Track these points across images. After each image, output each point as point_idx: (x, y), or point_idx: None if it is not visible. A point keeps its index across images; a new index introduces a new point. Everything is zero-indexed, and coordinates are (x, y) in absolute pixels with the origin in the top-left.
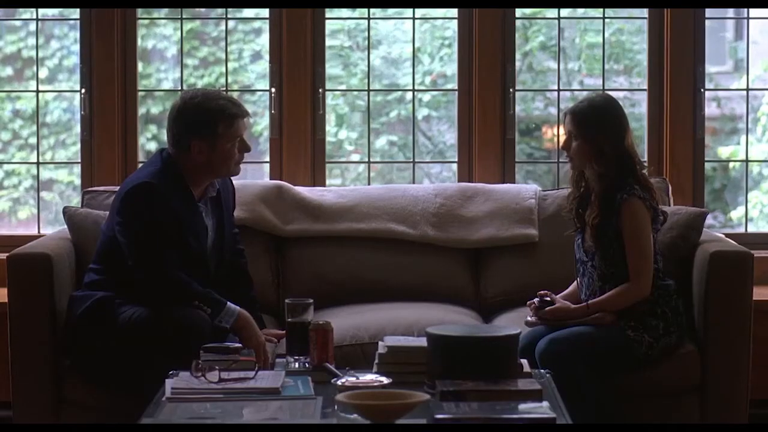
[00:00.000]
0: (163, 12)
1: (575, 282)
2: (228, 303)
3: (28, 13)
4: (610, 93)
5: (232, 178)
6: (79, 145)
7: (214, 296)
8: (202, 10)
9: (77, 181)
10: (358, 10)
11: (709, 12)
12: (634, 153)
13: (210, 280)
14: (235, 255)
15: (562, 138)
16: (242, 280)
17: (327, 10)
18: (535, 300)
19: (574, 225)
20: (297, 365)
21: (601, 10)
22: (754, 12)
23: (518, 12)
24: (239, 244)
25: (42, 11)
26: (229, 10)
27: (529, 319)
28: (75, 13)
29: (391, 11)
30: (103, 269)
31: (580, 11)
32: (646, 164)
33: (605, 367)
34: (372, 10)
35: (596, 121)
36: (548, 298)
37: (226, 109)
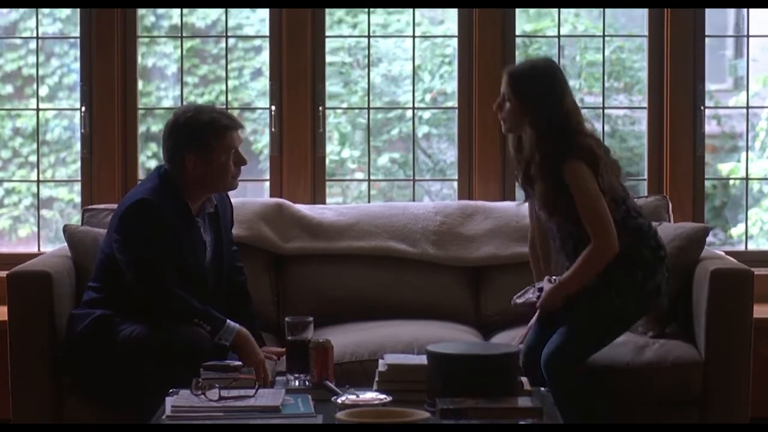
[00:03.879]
0: (163, 30)
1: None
2: (228, 320)
3: (28, 31)
4: (610, 110)
5: (230, 195)
6: (79, 163)
7: (213, 314)
8: (202, 26)
9: (77, 199)
10: (358, 27)
11: (708, 30)
12: (573, 114)
13: (208, 296)
14: (234, 272)
15: (503, 103)
16: (241, 297)
17: (327, 27)
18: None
19: (524, 193)
20: (297, 383)
21: (602, 27)
22: (753, 30)
23: (518, 29)
24: (238, 261)
25: (42, 29)
26: (230, 27)
27: (518, 300)
28: (75, 31)
29: (391, 29)
30: (102, 287)
31: (580, 28)
32: (588, 123)
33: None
34: (372, 28)
35: (531, 85)
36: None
37: (218, 122)
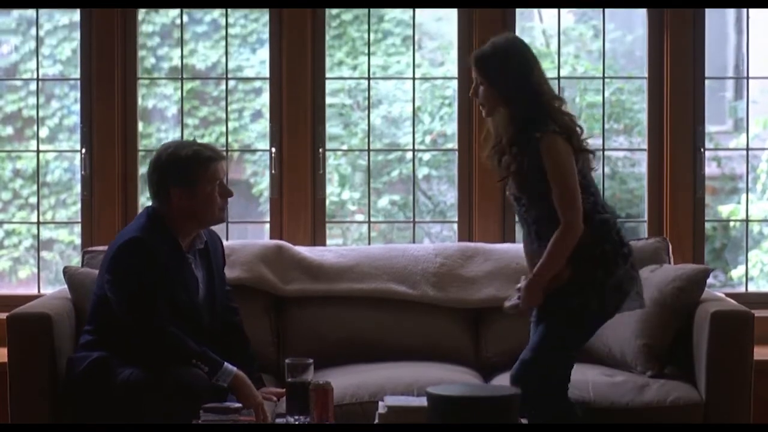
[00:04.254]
0: (164, 72)
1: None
2: (225, 363)
3: (28, 72)
4: (610, 152)
5: (230, 236)
6: (79, 205)
7: (210, 355)
8: (203, 68)
9: (77, 241)
10: (359, 69)
11: (708, 71)
12: (544, 89)
13: (204, 333)
14: (229, 313)
15: (478, 87)
16: (238, 337)
17: (327, 69)
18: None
19: (501, 177)
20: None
21: (602, 69)
22: (753, 71)
23: None
24: (232, 301)
25: (43, 71)
26: (230, 69)
27: (507, 304)
28: (75, 72)
29: (391, 70)
30: (97, 329)
31: (580, 70)
32: (563, 100)
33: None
34: (372, 70)
35: (497, 63)
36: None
37: (201, 154)
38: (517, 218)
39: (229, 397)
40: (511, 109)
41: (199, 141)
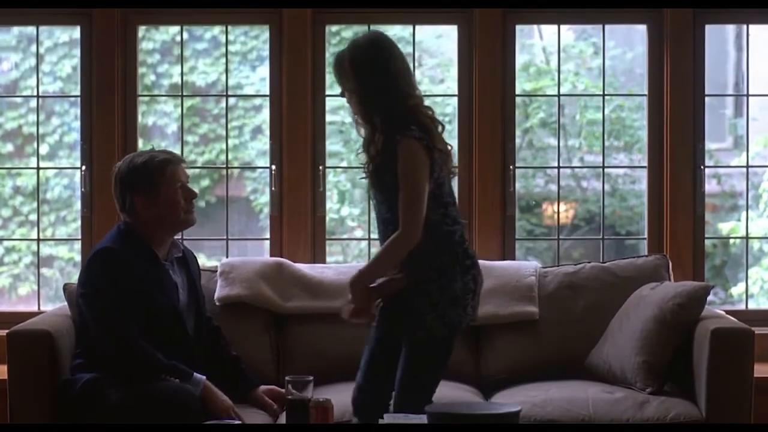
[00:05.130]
0: (164, 89)
1: None
2: (194, 374)
3: (28, 89)
4: (610, 169)
5: (221, 254)
6: (79, 222)
7: (180, 367)
8: (203, 85)
9: (77, 258)
10: None
11: (708, 89)
12: (407, 91)
13: (189, 338)
14: (207, 320)
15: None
16: (220, 341)
17: (327, 86)
18: None
19: (366, 171)
20: None
21: (602, 86)
22: (753, 89)
23: (518, 89)
24: (206, 311)
25: (43, 88)
26: (230, 87)
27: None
28: (75, 89)
29: None
30: (85, 351)
31: (580, 87)
32: (429, 108)
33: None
34: None
35: (354, 68)
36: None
37: (155, 158)
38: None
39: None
40: (373, 110)
41: (192, 160)
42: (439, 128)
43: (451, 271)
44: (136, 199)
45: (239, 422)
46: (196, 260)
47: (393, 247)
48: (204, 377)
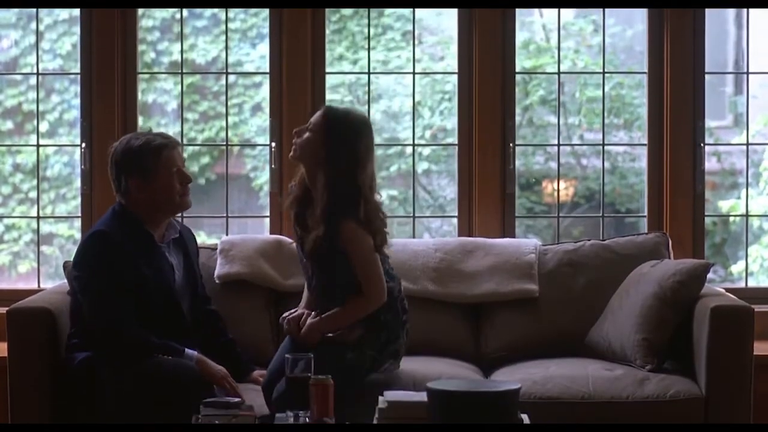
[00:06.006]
0: (164, 66)
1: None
2: (186, 349)
3: (28, 67)
4: (610, 146)
5: (221, 231)
6: (79, 199)
7: (172, 345)
8: (203, 63)
9: (77, 235)
10: (359, 63)
11: (708, 66)
12: (368, 179)
13: (183, 320)
14: (205, 301)
15: (305, 131)
16: (217, 324)
17: (328, 63)
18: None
19: (294, 228)
20: (296, 420)
21: (602, 64)
22: (753, 66)
23: (518, 66)
24: (204, 289)
25: (42, 65)
26: (230, 64)
27: (286, 316)
28: (75, 67)
29: (392, 65)
30: (79, 331)
31: (580, 65)
32: (381, 199)
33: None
34: (373, 65)
35: (344, 131)
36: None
37: (152, 142)
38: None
39: (217, 390)
40: (329, 178)
41: (192, 137)
42: (385, 231)
43: (393, 329)
44: (130, 182)
45: (238, 399)
46: (194, 238)
47: (355, 309)
48: (196, 352)
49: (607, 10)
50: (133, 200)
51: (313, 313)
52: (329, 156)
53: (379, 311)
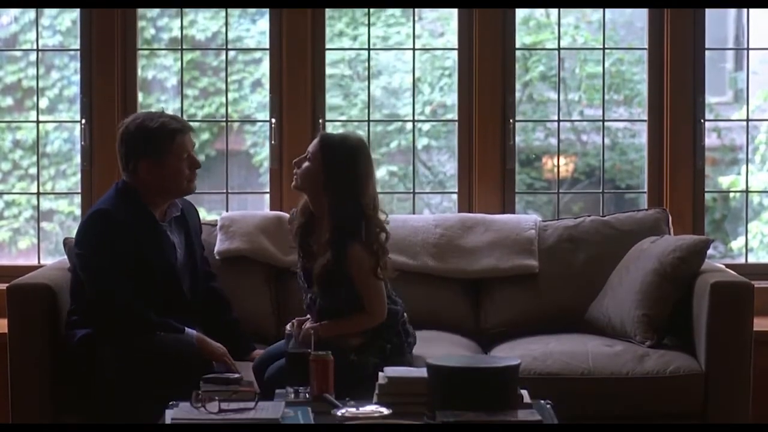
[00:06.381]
0: (164, 42)
1: None
2: (186, 328)
3: (28, 43)
4: (610, 122)
5: (221, 208)
6: (79, 176)
7: (172, 324)
8: (202, 39)
9: (77, 212)
10: (359, 39)
11: (709, 42)
12: (372, 200)
13: (184, 299)
14: (207, 277)
15: (304, 160)
16: (220, 303)
17: (327, 39)
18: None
19: (298, 255)
20: (297, 396)
21: (602, 40)
22: (753, 42)
23: (518, 42)
24: (209, 267)
25: (42, 41)
26: (230, 40)
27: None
28: (75, 43)
29: (392, 41)
30: (78, 308)
31: (580, 41)
32: (387, 218)
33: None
34: (373, 41)
35: (342, 157)
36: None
37: (168, 126)
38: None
39: (216, 366)
40: (332, 203)
41: (193, 113)
42: (386, 254)
43: (400, 347)
44: (141, 163)
45: (238, 375)
46: (197, 213)
47: (357, 323)
48: (195, 331)
49: None
50: (140, 180)
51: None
52: (330, 182)
53: (382, 333)
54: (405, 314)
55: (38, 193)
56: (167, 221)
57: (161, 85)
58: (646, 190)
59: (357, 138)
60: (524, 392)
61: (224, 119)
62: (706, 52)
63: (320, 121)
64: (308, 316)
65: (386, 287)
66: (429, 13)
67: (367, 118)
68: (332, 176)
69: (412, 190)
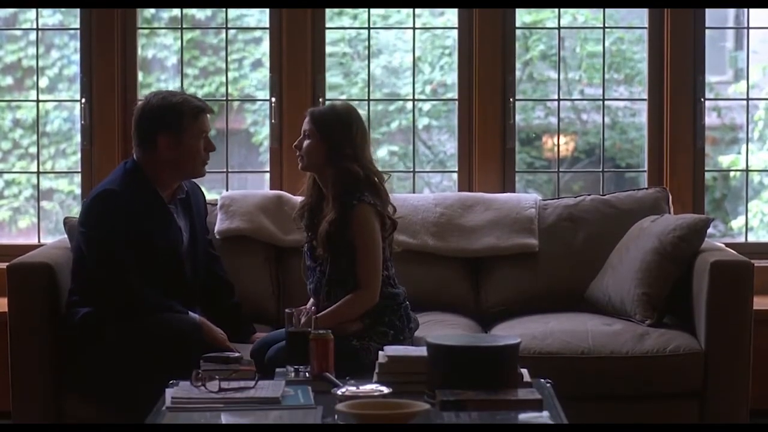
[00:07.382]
0: (164, 22)
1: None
2: (189, 312)
3: (28, 22)
4: (610, 101)
5: (221, 186)
6: (79, 155)
7: (176, 307)
8: (202, 18)
9: (77, 191)
10: (359, 18)
11: (709, 21)
12: (369, 162)
13: (186, 282)
14: (211, 261)
15: (303, 140)
16: (223, 287)
17: (327, 18)
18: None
19: (306, 233)
20: (297, 375)
21: (602, 19)
22: (753, 22)
23: (518, 21)
24: (213, 249)
25: (42, 21)
26: (230, 19)
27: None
28: (75, 22)
29: (392, 20)
30: (80, 287)
31: (580, 20)
32: (386, 177)
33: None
34: (373, 19)
35: (336, 124)
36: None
37: (191, 102)
38: (307, 277)
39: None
40: (334, 171)
41: (193, 93)
42: (391, 208)
43: (401, 330)
44: (161, 138)
45: (238, 354)
46: (203, 194)
47: (353, 305)
48: (197, 316)
49: None
50: (155, 156)
51: (313, 308)
52: (332, 150)
53: (383, 318)
54: (407, 300)
55: (38, 172)
56: (173, 203)
57: (161, 64)
58: (646, 169)
59: (343, 104)
60: (524, 371)
61: (224, 98)
62: (707, 31)
63: (320, 100)
64: (311, 301)
65: (390, 270)
66: None
67: (367, 98)
68: (332, 144)
69: (412, 169)
